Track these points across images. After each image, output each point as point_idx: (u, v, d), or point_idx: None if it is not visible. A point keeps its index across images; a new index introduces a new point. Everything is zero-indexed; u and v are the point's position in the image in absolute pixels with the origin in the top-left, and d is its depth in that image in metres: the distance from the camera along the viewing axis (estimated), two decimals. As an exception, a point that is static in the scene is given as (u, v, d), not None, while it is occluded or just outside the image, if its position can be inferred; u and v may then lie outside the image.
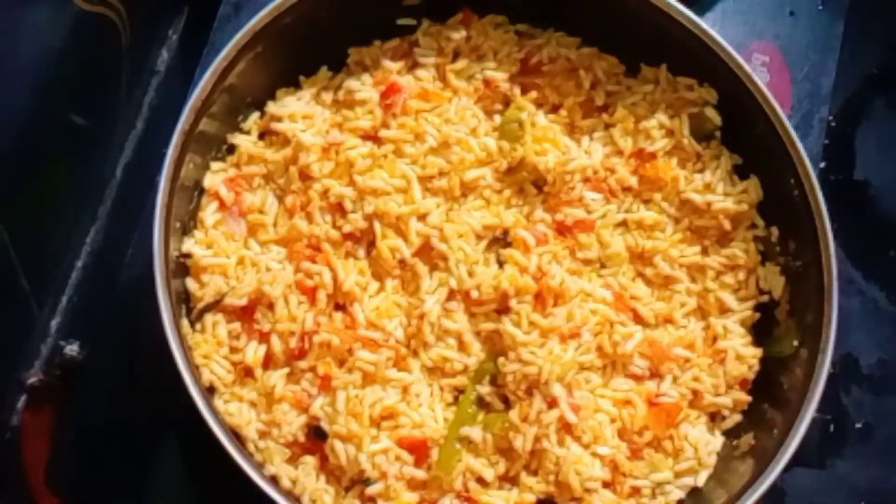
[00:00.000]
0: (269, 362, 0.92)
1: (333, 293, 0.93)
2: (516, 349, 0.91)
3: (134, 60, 1.07)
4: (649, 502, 0.92)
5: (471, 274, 0.92)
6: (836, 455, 1.06)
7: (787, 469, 0.87)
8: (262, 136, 0.99)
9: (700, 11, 1.08)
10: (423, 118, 0.96)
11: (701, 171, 0.99)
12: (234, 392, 0.92)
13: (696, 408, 0.95)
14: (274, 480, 0.89)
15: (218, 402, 0.91)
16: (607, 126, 1.00)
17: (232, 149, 0.98)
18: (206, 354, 0.92)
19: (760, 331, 0.97)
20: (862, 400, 1.14)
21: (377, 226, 0.93)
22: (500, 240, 0.96)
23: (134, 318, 0.96)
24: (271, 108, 0.98)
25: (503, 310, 0.93)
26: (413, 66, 1.00)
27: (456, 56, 1.00)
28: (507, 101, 1.00)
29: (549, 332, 0.92)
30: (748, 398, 0.95)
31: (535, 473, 0.91)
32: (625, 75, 1.02)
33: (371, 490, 0.89)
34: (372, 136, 0.97)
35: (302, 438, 0.91)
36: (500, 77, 0.99)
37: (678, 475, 0.93)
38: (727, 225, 0.97)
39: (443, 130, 0.96)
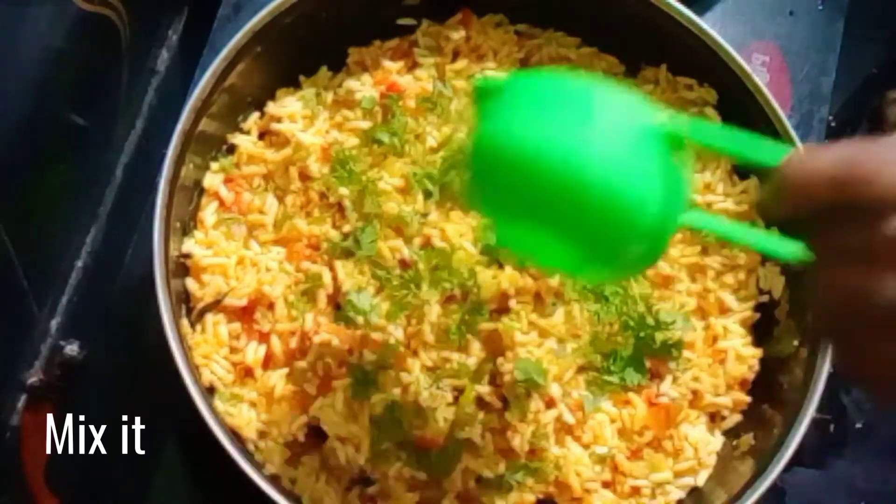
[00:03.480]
0: (269, 362, 0.92)
1: (333, 293, 0.93)
2: (514, 349, 0.91)
3: (134, 60, 1.07)
4: (649, 502, 0.92)
5: (471, 274, 0.92)
6: (836, 455, 1.06)
7: (787, 469, 0.86)
8: (262, 136, 0.99)
9: (700, 11, 1.08)
10: (423, 118, 0.96)
11: (701, 171, 0.99)
12: (234, 392, 0.92)
13: (696, 408, 0.95)
14: (274, 480, 0.89)
15: (218, 402, 0.91)
16: (607, 126, 1.00)
17: (232, 149, 0.98)
18: (206, 354, 0.92)
19: (760, 331, 0.97)
20: (862, 400, 1.14)
21: (377, 226, 0.93)
22: (501, 240, 0.96)
23: (134, 318, 0.96)
24: (271, 108, 0.98)
25: (503, 310, 0.93)
26: (413, 66, 1.00)
27: (456, 56, 1.00)
28: (507, 101, 1.00)
29: (548, 331, 0.92)
30: (748, 398, 0.95)
31: (535, 473, 0.91)
32: (625, 75, 1.02)
33: (371, 490, 0.89)
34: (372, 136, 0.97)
35: (302, 438, 0.91)
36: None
37: (678, 475, 0.93)
38: (727, 225, 0.97)
39: (443, 130, 0.96)
